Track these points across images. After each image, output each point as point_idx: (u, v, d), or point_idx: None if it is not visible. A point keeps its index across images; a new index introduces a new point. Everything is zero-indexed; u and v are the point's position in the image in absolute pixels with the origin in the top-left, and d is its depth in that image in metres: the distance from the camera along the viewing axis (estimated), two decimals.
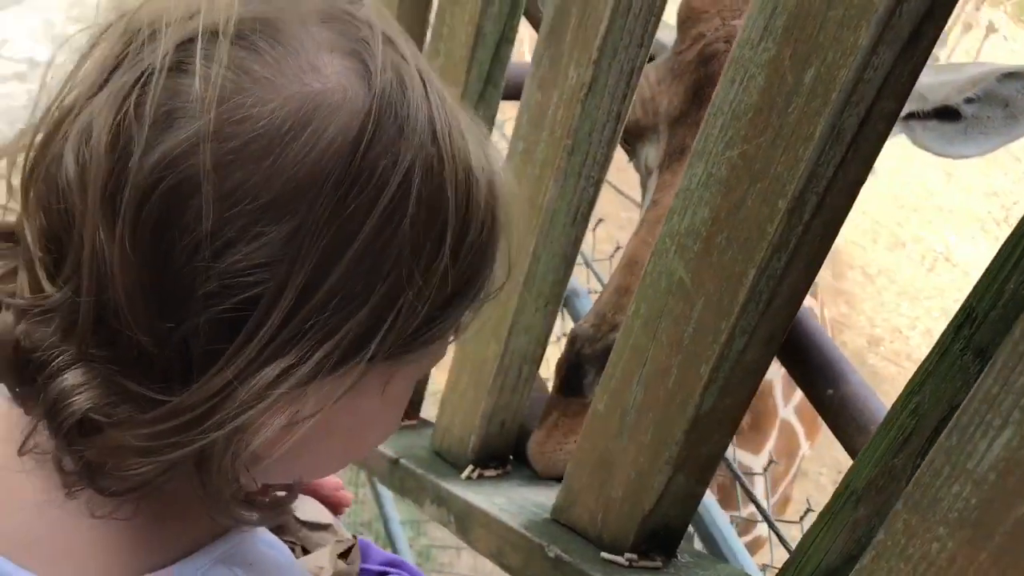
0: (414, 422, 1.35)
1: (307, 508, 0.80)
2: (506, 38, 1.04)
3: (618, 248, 1.46)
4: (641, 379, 0.78)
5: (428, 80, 0.48)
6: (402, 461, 1.19)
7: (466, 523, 1.03)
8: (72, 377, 0.44)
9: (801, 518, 0.98)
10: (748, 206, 0.66)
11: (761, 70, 0.64)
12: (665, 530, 0.82)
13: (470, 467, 1.08)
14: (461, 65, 1.05)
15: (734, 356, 0.71)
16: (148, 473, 0.45)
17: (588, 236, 1.60)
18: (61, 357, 0.44)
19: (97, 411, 0.44)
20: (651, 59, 1.07)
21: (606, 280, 1.45)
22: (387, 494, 2.29)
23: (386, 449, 1.25)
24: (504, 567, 0.96)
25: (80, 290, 0.43)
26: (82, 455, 0.45)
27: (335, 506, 0.80)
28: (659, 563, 0.82)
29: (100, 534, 0.50)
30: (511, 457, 1.12)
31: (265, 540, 0.60)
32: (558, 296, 0.98)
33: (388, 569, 0.99)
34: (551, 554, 0.87)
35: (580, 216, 0.92)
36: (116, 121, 0.42)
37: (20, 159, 0.47)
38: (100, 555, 0.50)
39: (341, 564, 0.83)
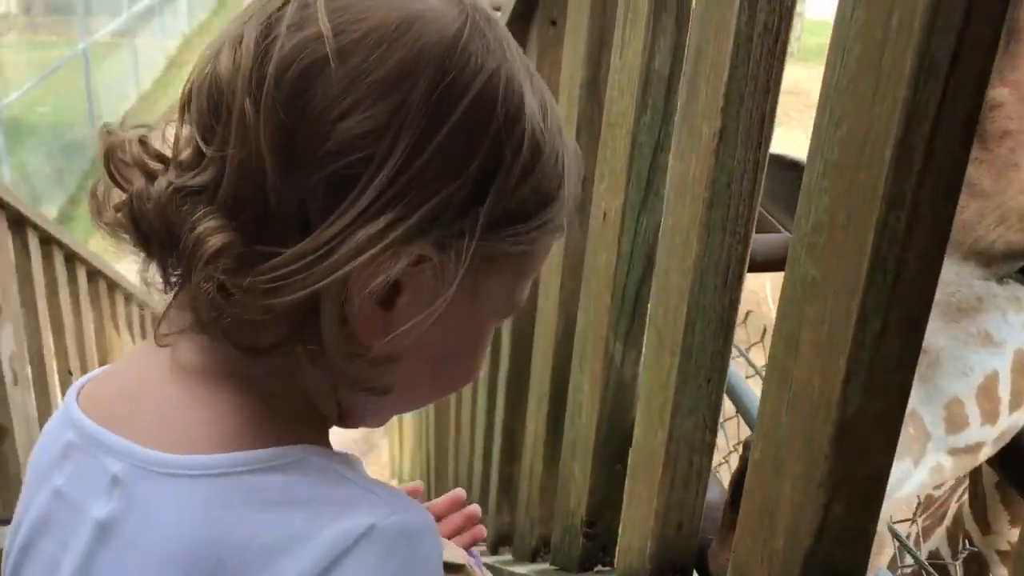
0: (609, 568, 1.29)
1: (447, 548, 0.79)
2: (661, 146, 1.09)
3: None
4: (789, 403, 0.74)
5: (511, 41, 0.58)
6: None
7: None
8: (207, 223, 0.52)
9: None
10: (860, 173, 0.64)
11: (855, 40, 0.65)
12: None
13: None
14: (621, 176, 1.10)
15: (872, 341, 0.66)
16: (271, 328, 0.52)
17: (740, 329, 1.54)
18: (201, 211, 0.52)
19: (225, 254, 0.51)
20: None
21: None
22: None
23: None
24: None
25: (227, 149, 0.52)
26: (211, 302, 0.52)
27: (472, 539, 0.79)
28: None
29: (215, 411, 0.56)
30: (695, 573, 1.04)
31: None
32: (720, 370, 0.95)
33: None
34: None
35: (732, 276, 0.91)
36: (262, 28, 0.53)
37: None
38: (211, 430, 0.55)
39: None
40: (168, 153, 0.57)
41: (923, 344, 0.67)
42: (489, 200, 0.54)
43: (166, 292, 0.57)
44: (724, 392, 0.97)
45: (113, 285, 3.58)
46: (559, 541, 1.35)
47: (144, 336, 3.79)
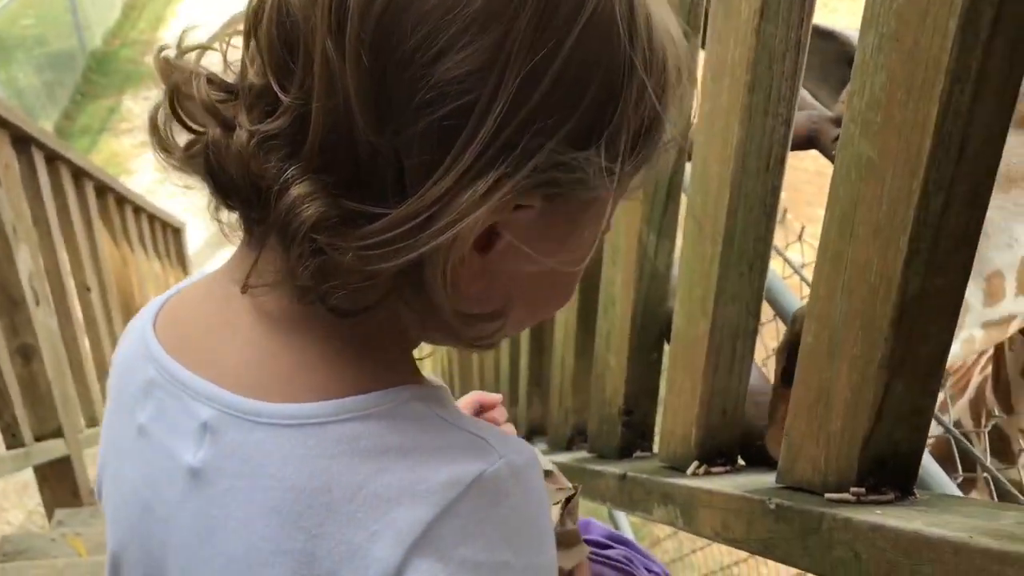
0: (648, 453, 1.31)
1: None
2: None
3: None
4: (844, 286, 0.73)
5: None
6: (630, 474, 1.16)
7: (690, 511, 0.98)
8: (300, 188, 0.47)
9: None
10: (921, 45, 0.62)
11: None
12: (894, 459, 0.74)
13: (695, 463, 1.03)
14: None
15: (934, 219, 0.65)
16: (371, 291, 0.49)
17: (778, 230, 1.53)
18: (290, 170, 0.47)
19: (323, 222, 0.47)
20: None
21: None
22: None
23: (614, 468, 1.22)
24: (730, 542, 0.89)
25: (310, 101, 0.47)
26: (311, 271, 0.48)
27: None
28: (891, 497, 0.73)
29: (305, 358, 0.54)
30: (739, 458, 1.06)
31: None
32: (763, 256, 0.94)
33: (613, 544, 0.95)
34: (772, 506, 0.81)
35: (774, 161, 0.89)
36: None
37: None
38: (303, 378, 0.53)
39: (563, 515, 0.81)
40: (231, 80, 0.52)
41: None
42: (606, 136, 0.49)
43: (248, 240, 0.54)
44: (766, 276, 0.96)
45: (122, 199, 3.56)
46: (597, 430, 1.37)
47: (157, 252, 3.79)
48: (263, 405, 0.52)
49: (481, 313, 0.53)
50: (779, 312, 1.15)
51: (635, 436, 1.31)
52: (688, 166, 1.05)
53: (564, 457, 1.50)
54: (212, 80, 0.51)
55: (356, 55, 0.45)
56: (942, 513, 0.67)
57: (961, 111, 0.61)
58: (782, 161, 0.90)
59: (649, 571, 0.96)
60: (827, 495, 0.76)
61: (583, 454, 1.46)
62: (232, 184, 0.49)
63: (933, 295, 0.67)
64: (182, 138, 0.53)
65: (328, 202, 0.46)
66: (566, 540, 0.82)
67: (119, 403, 0.60)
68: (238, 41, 0.52)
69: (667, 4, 0.53)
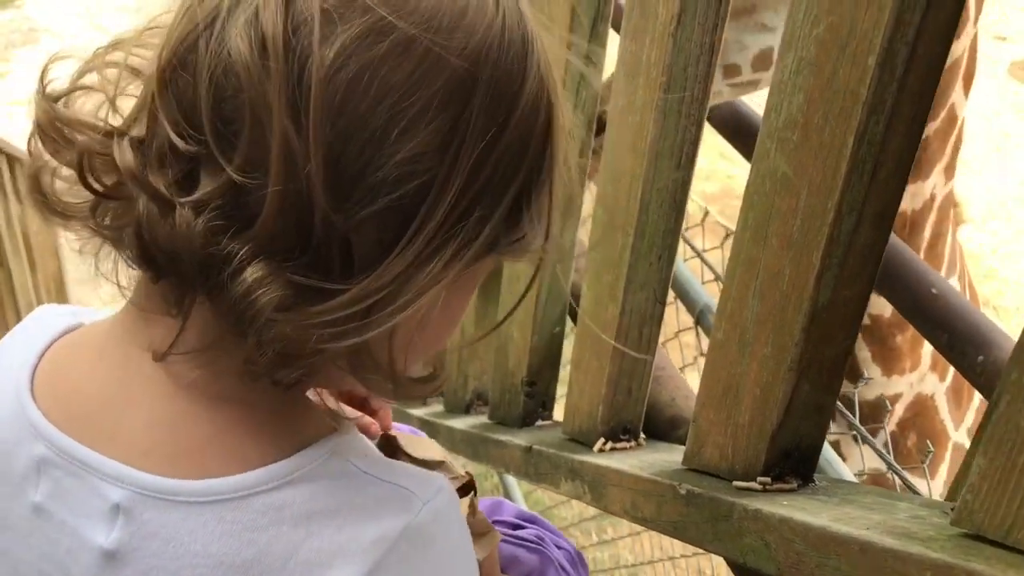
0: (549, 422, 1.35)
1: (419, 445, 0.81)
2: (602, 15, 1.08)
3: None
4: (756, 291, 0.77)
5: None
6: (535, 447, 1.19)
7: (599, 488, 1.02)
8: (256, 270, 0.45)
9: (923, 461, 0.93)
10: (840, 75, 0.66)
11: None
12: (798, 450, 0.79)
13: (601, 440, 1.08)
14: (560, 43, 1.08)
15: (845, 238, 0.69)
16: (319, 362, 0.48)
17: (698, 230, 1.59)
18: (242, 251, 0.45)
19: (283, 305, 0.45)
20: None
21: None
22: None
23: (518, 440, 1.26)
24: (640, 521, 0.94)
25: (254, 174, 0.45)
26: (263, 349, 0.47)
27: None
28: (794, 485, 0.79)
29: (218, 428, 0.52)
30: (643, 434, 1.11)
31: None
32: (671, 247, 0.98)
33: (524, 523, 0.98)
34: (682, 491, 0.85)
35: (685, 159, 0.92)
36: (288, 14, 0.44)
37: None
38: (218, 449, 0.52)
39: (472, 506, 0.84)
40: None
41: None
42: (535, 196, 0.51)
43: (173, 312, 0.50)
44: (673, 265, 1.00)
45: None
46: (499, 399, 1.40)
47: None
48: (180, 483, 0.50)
49: (419, 377, 0.54)
50: (680, 295, 1.20)
51: (536, 405, 1.35)
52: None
53: (464, 423, 1.53)
54: (140, 147, 0.47)
55: (318, 139, 0.44)
56: (843, 504, 0.73)
57: (875, 140, 0.65)
58: (692, 158, 0.93)
59: (560, 548, 1.01)
60: (735, 483, 0.81)
61: (483, 419, 1.49)
62: (171, 261, 0.47)
63: (841, 305, 0.72)
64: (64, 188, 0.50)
65: (284, 283, 0.45)
66: (477, 529, 0.85)
67: None
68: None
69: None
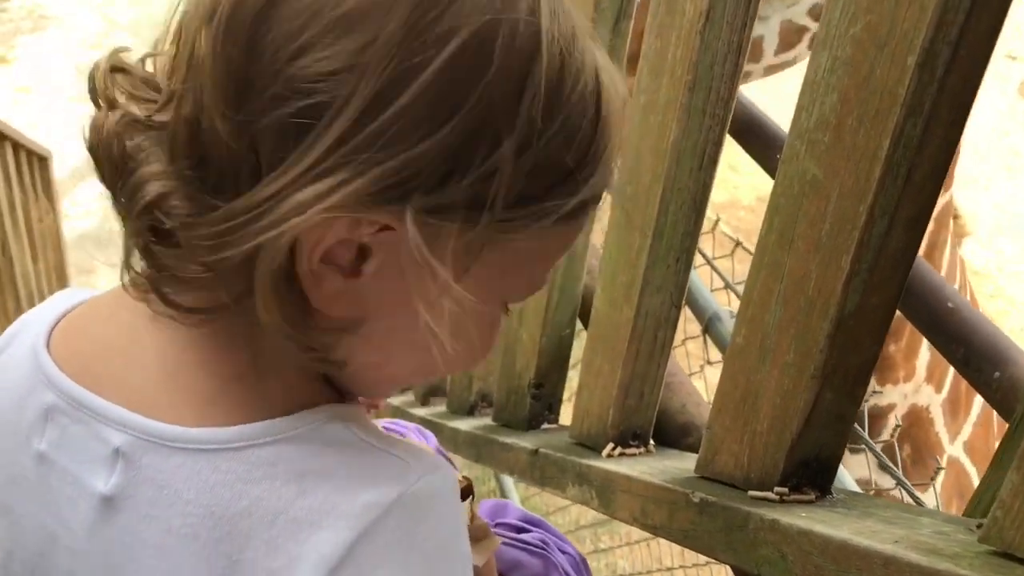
0: (555, 426, 1.33)
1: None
2: (625, 13, 1.06)
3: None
4: (780, 296, 0.75)
5: None
6: (542, 450, 1.17)
7: (607, 494, 1.00)
8: (152, 167, 0.48)
9: (932, 478, 0.91)
10: (877, 75, 0.64)
11: None
12: (817, 461, 0.77)
13: (610, 445, 1.06)
14: None
15: (876, 242, 0.67)
16: (208, 282, 0.48)
17: (707, 238, 1.58)
18: (147, 153, 0.48)
19: (164, 203, 0.47)
20: None
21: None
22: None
23: (524, 442, 1.24)
24: (650, 528, 0.92)
25: (176, 81, 0.48)
26: (140, 249, 0.49)
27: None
28: (812, 497, 0.77)
29: (224, 380, 0.53)
30: (652, 441, 1.09)
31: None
32: (689, 251, 0.96)
33: (528, 527, 0.96)
34: (696, 499, 0.83)
35: (707, 159, 0.91)
36: None
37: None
38: (222, 401, 0.52)
39: (472, 510, 0.82)
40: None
41: None
42: (479, 171, 0.46)
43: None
44: (691, 269, 0.98)
45: None
46: (504, 401, 1.38)
47: (22, 184, 3.57)
48: (182, 430, 0.51)
49: (327, 328, 0.51)
50: (689, 302, 1.18)
51: (543, 408, 1.33)
52: None
53: (468, 424, 1.51)
54: (120, 70, 0.51)
55: (220, 44, 0.45)
56: (864, 518, 0.71)
57: (912, 143, 0.63)
58: (715, 160, 0.91)
59: (564, 552, 0.99)
60: (750, 492, 0.79)
61: (487, 421, 1.47)
62: (101, 160, 0.49)
63: (869, 311, 0.70)
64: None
65: (172, 186, 0.47)
66: (476, 534, 0.83)
67: (3, 430, 0.57)
68: None
69: (603, 51, 0.52)
